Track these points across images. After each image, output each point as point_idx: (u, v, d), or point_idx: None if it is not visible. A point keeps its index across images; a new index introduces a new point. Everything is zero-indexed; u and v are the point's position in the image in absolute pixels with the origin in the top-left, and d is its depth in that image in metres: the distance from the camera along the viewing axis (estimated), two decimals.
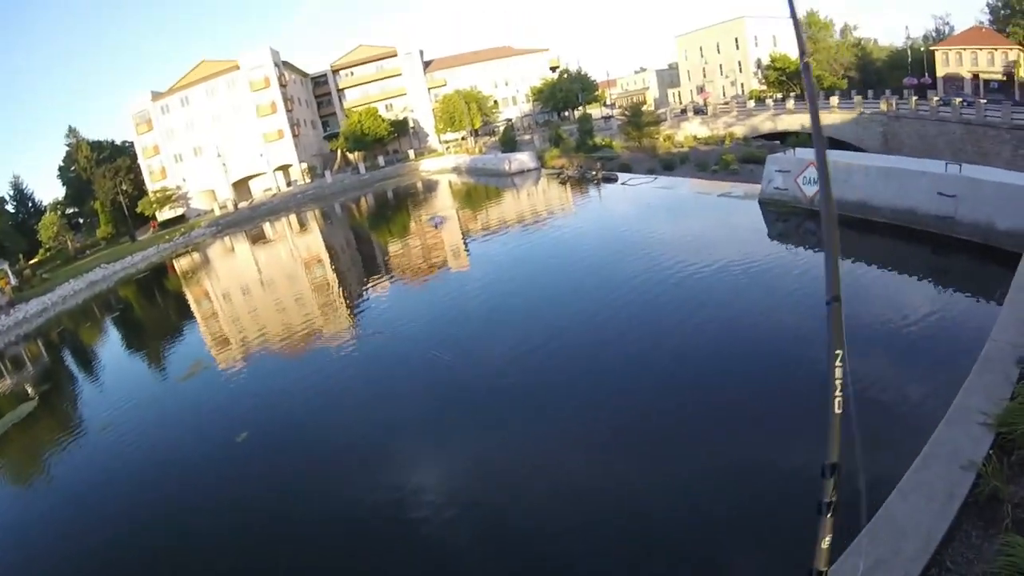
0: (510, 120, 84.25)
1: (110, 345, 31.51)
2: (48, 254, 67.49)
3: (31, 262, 61.24)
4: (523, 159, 49.37)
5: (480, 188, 48.91)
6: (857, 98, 45.98)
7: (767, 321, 13.49)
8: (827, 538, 1.48)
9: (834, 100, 46.48)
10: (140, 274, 50.04)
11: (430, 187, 57.22)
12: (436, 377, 15.22)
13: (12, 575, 11.82)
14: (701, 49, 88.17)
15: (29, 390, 25.71)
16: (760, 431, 9.46)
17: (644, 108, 53.19)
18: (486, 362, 15.16)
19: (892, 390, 9.32)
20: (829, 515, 1.49)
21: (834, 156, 19.22)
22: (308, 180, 75.16)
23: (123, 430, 17.67)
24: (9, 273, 47.78)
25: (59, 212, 76.87)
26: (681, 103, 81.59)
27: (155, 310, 38.19)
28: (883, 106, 41.48)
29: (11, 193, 76.87)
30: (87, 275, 50.04)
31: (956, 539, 5.04)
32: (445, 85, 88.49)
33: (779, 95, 61.80)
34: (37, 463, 17.71)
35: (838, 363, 1.73)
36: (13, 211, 73.87)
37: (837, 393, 1.65)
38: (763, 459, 8.72)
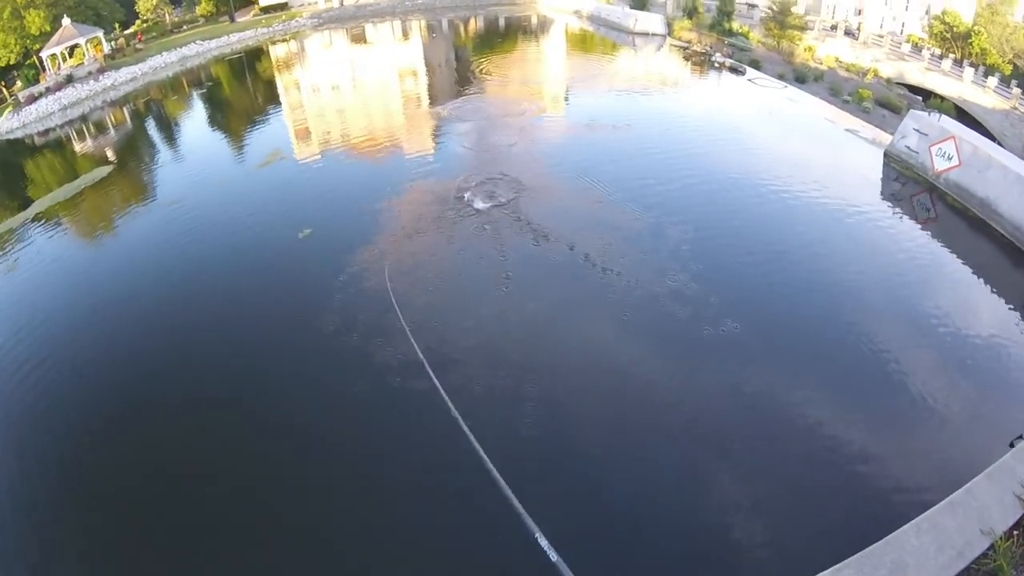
0: None
1: (193, 120, 30.63)
2: (144, 25, 66.41)
3: (126, 32, 60.26)
4: (651, 21, 44.25)
5: (598, 39, 44.37)
6: (1016, 90, 39.74)
7: (834, 277, 12.65)
8: None
9: (991, 81, 40.70)
10: (234, 55, 48.54)
11: (544, 25, 52.08)
12: (495, 204, 15.33)
13: (69, 319, 12.33)
14: None
15: (108, 155, 25.35)
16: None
17: (793, 9, 47.54)
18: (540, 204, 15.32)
19: (957, 414, 8.87)
20: None
21: (982, 143, 16.62)
22: None
23: (191, 205, 17.38)
24: (103, 41, 46.60)
25: None
26: (834, 18, 72.52)
27: (243, 92, 37.06)
28: None
29: None
30: (181, 49, 48.67)
31: None
32: None
33: (938, 50, 54.26)
34: (106, 225, 17.64)
35: None
36: None
37: None
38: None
